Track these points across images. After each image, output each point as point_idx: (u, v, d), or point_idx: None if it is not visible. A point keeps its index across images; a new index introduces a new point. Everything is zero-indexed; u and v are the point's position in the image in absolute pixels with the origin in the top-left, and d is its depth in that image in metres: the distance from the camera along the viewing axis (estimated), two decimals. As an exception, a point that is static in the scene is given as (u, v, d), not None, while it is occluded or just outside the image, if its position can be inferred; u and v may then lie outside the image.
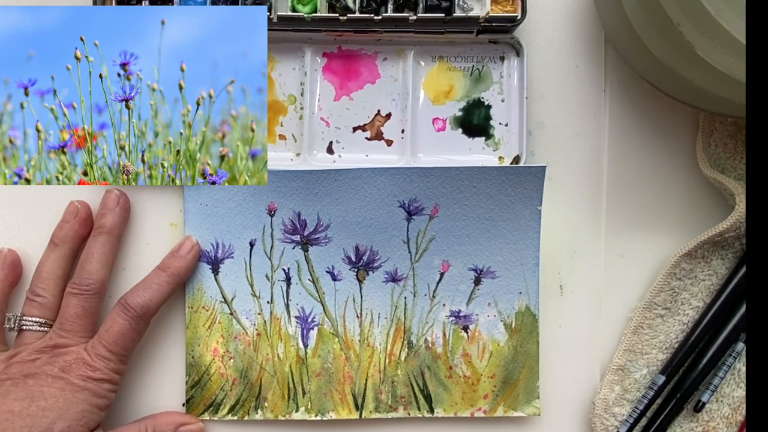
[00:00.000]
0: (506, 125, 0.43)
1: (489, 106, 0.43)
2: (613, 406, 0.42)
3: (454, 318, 0.43)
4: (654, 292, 0.42)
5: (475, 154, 0.43)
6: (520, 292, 0.42)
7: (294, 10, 0.41)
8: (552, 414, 0.43)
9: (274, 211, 0.42)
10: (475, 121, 0.43)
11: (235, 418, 0.42)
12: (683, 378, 0.42)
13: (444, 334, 0.43)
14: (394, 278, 0.43)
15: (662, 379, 0.42)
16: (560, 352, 0.43)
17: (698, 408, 0.42)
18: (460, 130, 0.43)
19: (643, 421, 0.42)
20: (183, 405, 0.42)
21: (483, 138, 0.43)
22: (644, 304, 0.42)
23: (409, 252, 0.42)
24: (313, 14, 0.41)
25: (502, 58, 0.43)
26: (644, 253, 0.43)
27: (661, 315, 0.42)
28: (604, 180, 0.43)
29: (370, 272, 0.43)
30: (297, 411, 0.42)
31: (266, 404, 0.42)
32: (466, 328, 0.43)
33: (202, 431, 0.41)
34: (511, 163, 0.42)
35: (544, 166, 0.41)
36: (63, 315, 0.39)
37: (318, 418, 0.42)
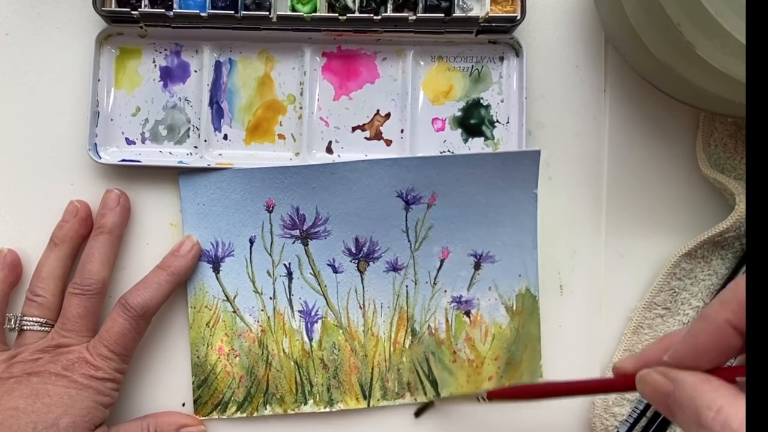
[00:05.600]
0: (506, 125, 0.43)
1: (488, 106, 0.43)
2: (613, 406, 0.42)
3: (455, 303, 0.43)
4: (654, 292, 0.42)
5: (474, 154, 0.43)
6: (520, 275, 0.42)
7: (294, 9, 0.41)
8: (552, 414, 0.43)
9: (273, 207, 0.42)
10: (474, 121, 0.43)
11: (244, 415, 0.42)
12: (683, 378, 0.42)
13: (447, 320, 0.43)
14: (394, 267, 0.43)
15: (662, 379, 0.41)
16: (560, 352, 0.43)
17: (698, 408, 0.42)
18: (459, 130, 0.43)
19: (643, 421, 0.42)
20: (183, 405, 0.42)
21: (482, 138, 0.43)
22: (644, 304, 0.42)
23: (409, 241, 0.42)
24: (313, 14, 0.41)
25: (502, 59, 0.43)
26: (644, 253, 0.43)
27: (661, 315, 0.42)
28: (604, 180, 0.43)
29: (371, 263, 0.43)
30: (306, 404, 0.42)
31: (274, 399, 0.42)
32: (468, 313, 0.43)
33: None
34: (511, 163, 0.43)
35: (539, 150, 0.41)
36: (65, 315, 0.39)
37: (327, 409, 0.42)
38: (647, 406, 0.42)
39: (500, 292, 0.43)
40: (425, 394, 0.42)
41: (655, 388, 0.28)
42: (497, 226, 0.42)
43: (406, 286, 0.43)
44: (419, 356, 0.43)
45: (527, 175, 0.41)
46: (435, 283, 0.43)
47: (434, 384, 0.42)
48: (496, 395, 0.37)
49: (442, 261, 0.43)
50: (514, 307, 0.43)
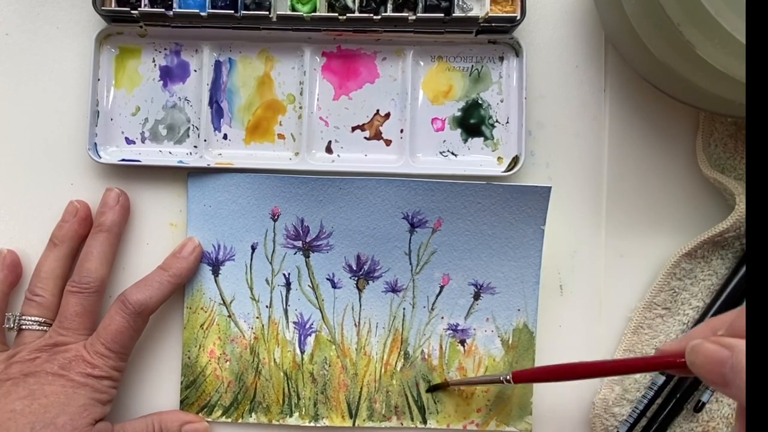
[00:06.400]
0: (505, 125, 0.43)
1: (488, 106, 0.43)
2: (613, 406, 0.42)
3: (451, 331, 0.42)
4: (654, 292, 0.42)
5: (473, 154, 0.43)
6: (519, 309, 0.42)
7: (293, 9, 0.41)
8: (551, 415, 0.43)
9: (278, 215, 0.42)
10: (474, 121, 0.43)
11: (229, 420, 0.42)
12: (683, 378, 0.42)
13: (441, 347, 0.42)
14: (393, 289, 0.43)
15: (662, 379, 0.41)
16: (560, 352, 0.43)
17: (698, 408, 0.42)
18: (459, 130, 0.43)
19: (643, 421, 0.42)
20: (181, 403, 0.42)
21: (482, 138, 0.43)
22: (644, 304, 0.42)
23: (410, 264, 0.42)
24: (313, 14, 0.41)
25: (501, 59, 0.43)
26: (644, 253, 0.43)
27: (661, 315, 0.42)
28: (604, 180, 0.43)
29: (371, 281, 0.43)
30: (291, 416, 0.42)
31: (261, 408, 0.42)
32: (463, 342, 0.42)
33: (207, 430, 0.41)
34: (510, 163, 0.42)
35: (550, 187, 0.40)
36: (62, 313, 0.39)
37: (311, 424, 0.42)
38: (647, 407, 0.42)
39: (497, 325, 0.42)
40: (412, 419, 0.42)
41: (709, 356, 0.26)
42: (501, 259, 0.42)
43: (404, 309, 0.43)
44: (410, 380, 0.42)
45: (536, 210, 0.41)
46: (432, 309, 0.43)
47: (422, 410, 0.42)
48: (522, 377, 0.35)
49: (441, 287, 0.42)
50: (510, 341, 0.42)
